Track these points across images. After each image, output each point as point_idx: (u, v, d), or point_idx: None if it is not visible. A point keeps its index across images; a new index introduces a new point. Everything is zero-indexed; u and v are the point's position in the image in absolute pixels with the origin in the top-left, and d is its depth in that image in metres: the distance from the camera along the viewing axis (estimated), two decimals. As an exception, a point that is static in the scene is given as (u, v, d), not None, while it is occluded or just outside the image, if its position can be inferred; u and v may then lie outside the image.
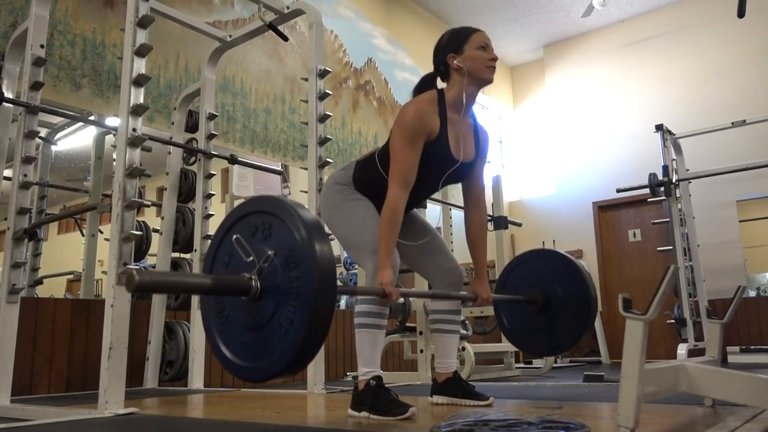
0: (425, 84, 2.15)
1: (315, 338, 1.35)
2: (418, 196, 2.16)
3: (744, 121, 5.28)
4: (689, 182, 5.52)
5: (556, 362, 5.74)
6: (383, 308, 2.01)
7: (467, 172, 2.16)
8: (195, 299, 3.45)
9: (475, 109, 2.20)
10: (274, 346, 1.38)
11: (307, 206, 3.37)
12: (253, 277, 1.41)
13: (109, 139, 4.18)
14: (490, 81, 2.08)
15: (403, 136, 1.97)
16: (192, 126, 3.85)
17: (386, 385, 1.94)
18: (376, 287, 1.85)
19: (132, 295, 2.59)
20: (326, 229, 2.13)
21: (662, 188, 5.21)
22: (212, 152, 3.62)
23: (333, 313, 1.39)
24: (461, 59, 2.04)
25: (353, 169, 2.15)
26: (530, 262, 2.51)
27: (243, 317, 1.45)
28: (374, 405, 1.87)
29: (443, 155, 2.04)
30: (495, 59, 2.07)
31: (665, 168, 5.22)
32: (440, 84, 2.14)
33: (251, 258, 1.43)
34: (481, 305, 2.25)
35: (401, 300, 4.14)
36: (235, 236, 1.47)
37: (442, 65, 2.10)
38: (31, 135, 2.71)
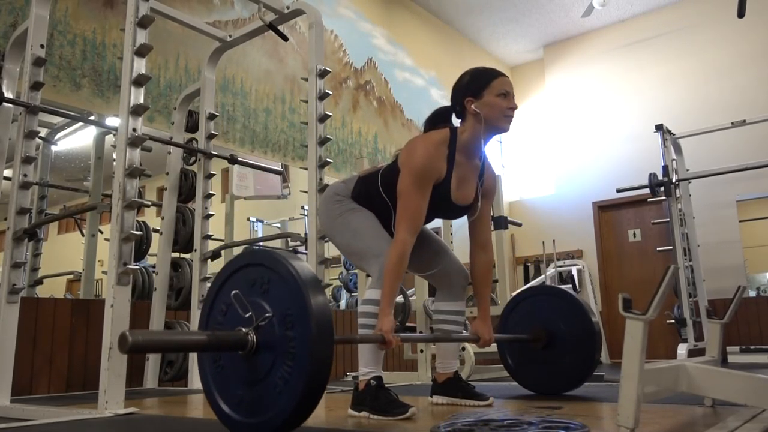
0: (439, 117, 2.12)
1: (311, 398, 1.34)
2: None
3: (744, 121, 5.28)
4: (689, 182, 5.52)
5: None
6: None
7: (461, 215, 2.16)
8: (195, 299, 3.45)
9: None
10: (269, 404, 1.37)
11: (307, 206, 3.37)
12: (249, 332, 1.40)
13: (109, 139, 4.18)
14: (505, 131, 2.04)
15: (412, 180, 1.93)
16: (192, 126, 3.85)
17: (386, 385, 1.94)
18: (376, 334, 1.83)
19: (132, 295, 2.60)
20: (327, 235, 2.15)
21: (662, 188, 5.21)
22: (212, 152, 3.61)
23: (329, 373, 1.38)
24: (479, 104, 1.99)
25: (353, 184, 2.14)
26: (533, 299, 2.50)
27: (239, 371, 1.45)
28: (374, 405, 1.87)
29: (442, 197, 2.01)
30: (514, 108, 2.02)
31: (665, 168, 5.22)
32: (455, 120, 2.12)
33: (249, 314, 1.42)
34: (482, 347, 2.23)
35: (401, 299, 4.14)
36: (234, 291, 1.45)
37: (458, 106, 2.05)
38: (31, 135, 2.71)
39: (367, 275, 2.13)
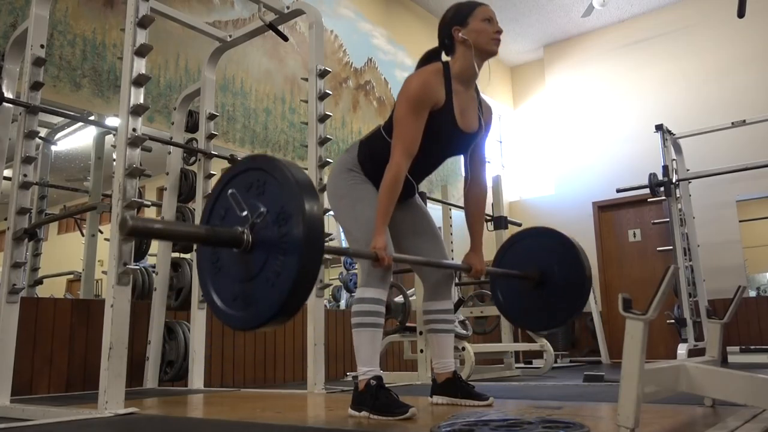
0: (430, 57, 2.18)
1: (300, 292, 1.39)
2: (424, 168, 2.17)
3: (744, 121, 5.28)
4: (689, 182, 5.52)
5: (556, 362, 5.74)
6: (380, 307, 2.01)
7: (470, 144, 2.18)
8: (195, 299, 3.45)
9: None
10: (261, 297, 1.43)
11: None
12: (245, 230, 1.46)
13: (109, 139, 4.18)
14: (494, 53, 2.11)
15: (408, 105, 1.98)
16: (192, 126, 3.85)
17: (386, 385, 1.94)
18: (369, 251, 1.87)
19: (132, 295, 2.59)
20: (329, 207, 2.16)
21: (662, 188, 5.21)
22: (212, 152, 3.62)
23: (319, 269, 1.44)
24: (466, 32, 2.06)
25: (357, 150, 2.16)
26: (527, 240, 2.53)
27: (235, 269, 1.50)
28: (374, 405, 1.87)
29: (449, 125, 2.05)
30: (500, 32, 2.09)
31: (665, 168, 5.22)
32: (444, 58, 2.18)
33: (245, 213, 1.48)
34: (474, 276, 2.25)
35: (401, 299, 4.14)
36: (230, 191, 1.52)
37: (447, 38, 2.12)
38: (31, 135, 2.71)
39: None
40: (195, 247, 1.79)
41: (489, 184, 5.21)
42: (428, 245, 2.20)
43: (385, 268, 1.93)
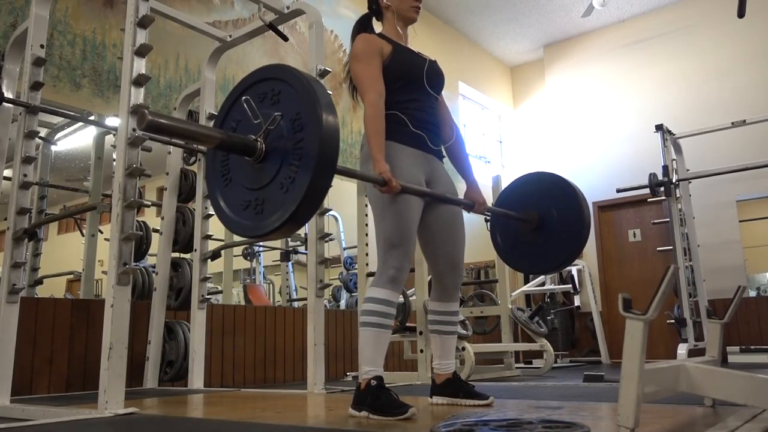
0: (362, 24, 2.31)
1: (313, 198, 1.39)
2: (425, 110, 2.18)
3: (744, 121, 5.28)
4: (689, 182, 5.51)
5: (556, 362, 5.74)
6: (388, 308, 2.00)
7: (439, 74, 2.27)
8: (195, 299, 3.45)
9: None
10: (274, 203, 1.43)
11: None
12: (259, 139, 1.46)
13: (109, 139, 4.18)
14: (414, 20, 2.29)
15: (358, 61, 2.12)
16: (192, 126, 3.85)
17: (387, 385, 1.94)
18: (377, 176, 1.90)
19: (132, 295, 2.60)
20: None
21: (662, 188, 5.21)
22: (212, 152, 3.61)
23: (333, 177, 1.43)
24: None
25: (363, 139, 2.20)
26: (526, 185, 2.54)
27: (246, 178, 1.50)
28: (375, 405, 1.87)
29: (411, 58, 2.20)
30: (420, 0, 2.27)
31: (665, 168, 5.22)
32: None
33: (258, 120, 1.47)
34: (478, 211, 2.29)
35: (401, 299, 4.14)
36: (244, 97, 1.52)
37: (374, 5, 2.30)
38: (31, 135, 2.71)
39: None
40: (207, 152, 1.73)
41: (489, 183, 5.22)
42: (452, 248, 2.20)
43: (393, 190, 1.92)
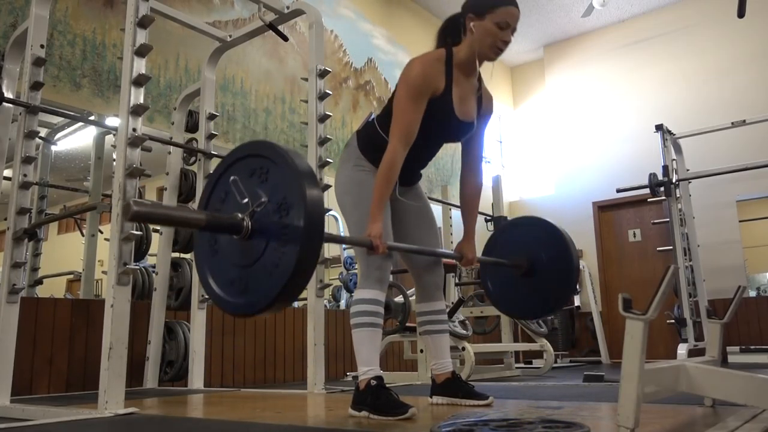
0: (449, 26, 2.12)
1: (297, 283, 1.41)
2: (421, 155, 2.15)
3: (744, 121, 5.28)
4: (689, 182, 5.51)
5: (556, 362, 5.74)
6: (377, 307, 2.02)
7: (466, 132, 2.15)
8: (195, 299, 3.45)
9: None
10: (258, 285, 1.45)
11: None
12: (245, 217, 1.47)
13: (109, 139, 4.18)
14: (490, 60, 2.06)
15: (408, 93, 1.95)
16: (192, 126, 3.85)
17: (387, 385, 1.94)
18: (364, 238, 1.87)
19: (132, 295, 2.60)
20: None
21: (662, 188, 5.20)
22: (212, 152, 3.61)
23: (317, 262, 1.46)
24: (476, 25, 1.98)
25: (356, 140, 2.17)
26: (516, 230, 2.55)
27: (233, 254, 1.52)
28: (375, 405, 1.87)
29: (447, 113, 2.03)
30: (507, 42, 2.00)
31: (665, 168, 5.22)
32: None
33: (246, 200, 1.49)
34: (465, 265, 2.28)
35: (401, 299, 4.14)
36: (232, 177, 1.53)
37: (462, 17, 2.05)
38: (31, 135, 2.71)
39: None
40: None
41: (489, 183, 5.21)
42: (427, 239, 2.20)
43: (381, 255, 1.91)
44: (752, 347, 5.61)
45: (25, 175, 2.66)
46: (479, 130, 2.21)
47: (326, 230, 3.17)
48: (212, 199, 1.61)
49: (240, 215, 1.48)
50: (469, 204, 2.28)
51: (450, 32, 2.11)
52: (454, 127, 2.09)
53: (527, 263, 2.43)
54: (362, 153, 2.12)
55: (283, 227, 1.42)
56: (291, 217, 1.41)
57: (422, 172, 2.28)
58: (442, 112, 2.02)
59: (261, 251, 1.45)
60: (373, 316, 2.00)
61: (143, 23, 2.39)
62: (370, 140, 2.12)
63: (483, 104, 2.18)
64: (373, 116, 2.25)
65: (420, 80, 1.96)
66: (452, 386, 2.17)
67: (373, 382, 1.91)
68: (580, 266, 2.48)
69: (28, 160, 2.68)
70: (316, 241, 1.41)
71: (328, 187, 3.12)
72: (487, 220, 5.45)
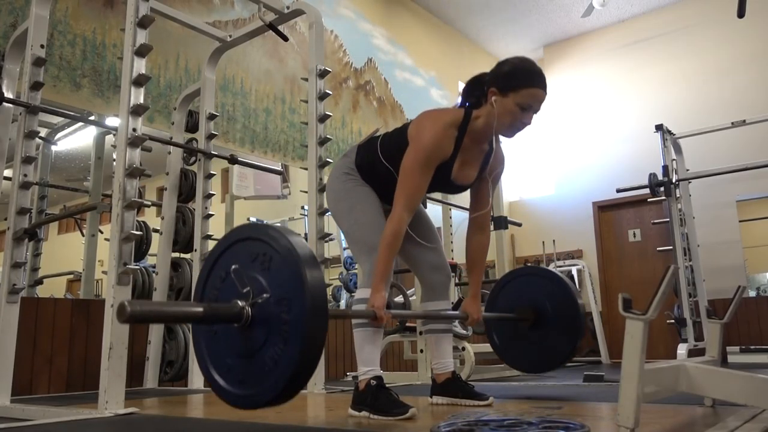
0: (475, 85, 2.04)
1: (299, 380, 1.37)
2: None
3: (744, 121, 5.28)
4: (689, 182, 5.51)
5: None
6: None
7: (459, 191, 2.17)
8: (195, 299, 3.44)
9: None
10: (259, 379, 1.40)
11: (307, 206, 3.37)
12: (245, 306, 1.42)
13: (109, 139, 4.18)
14: (506, 137, 2.04)
15: (417, 159, 1.91)
16: (192, 126, 3.85)
17: (387, 385, 1.94)
18: (368, 310, 1.86)
19: (132, 295, 2.60)
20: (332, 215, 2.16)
21: (662, 188, 5.21)
22: (212, 152, 3.62)
23: (320, 358, 1.40)
24: (499, 100, 1.92)
25: (355, 154, 2.16)
26: (519, 279, 2.53)
27: (232, 341, 1.47)
28: (375, 405, 1.87)
29: (442, 175, 2.01)
30: (527, 124, 1.97)
31: (665, 168, 5.22)
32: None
33: (247, 289, 1.44)
34: (470, 325, 2.29)
35: (401, 299, 4.14)
36: (234, 266, 1.47)
37: (486, 86, 1.99)
38: (31, 135, 2.71)
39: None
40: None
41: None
42: (431, 254, 2.21)
43: (381, 324, 1.90)
44: (752, 347, 5.61)
45: (25, 175, 2.66)
46: (482, 189, 2.17)
47: (325, 230, 3.17)
48: (210, 281, 1.56)
49: (240, 303, 1.42)
50: (474, 260, 2.24)
51: (474, 92, 2.03)
52: (447, 186, 2.10)
53: (532, 315, 2.41)
54: (357, 168, 2.13)
55: (284, 324, 1.37)
56: (292, 314, 1.36)
57: None
58: (438, 174, 1.99)
59: (261, 342, 1.40)
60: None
61: (143, 23, 2.39)
62: (369, 161, 2.11)
63: (492, 164, 2.14)
64: (380, 132, 2.23)
65: (431, 148, 1.91)
66: (452, 386, 2.17)
67: (373, 382, 1.91)
68: (583, 306, 2.48)
69: (28, 160, 2.68)
70: (318, 340, 1.36)
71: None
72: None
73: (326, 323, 1.39)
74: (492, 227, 5.19)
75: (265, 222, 6.31)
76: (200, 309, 1.41)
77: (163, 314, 1.51)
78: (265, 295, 1.41)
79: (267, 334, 1.39)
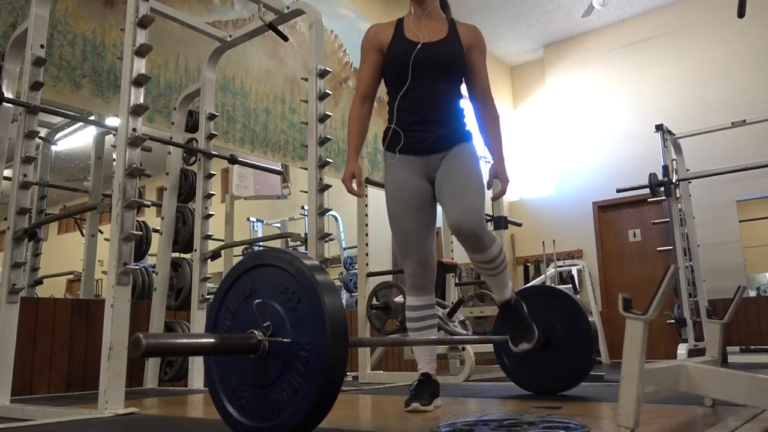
0: None
1: (320, 411, 1.32)
2: (416, 101, 2.14)
3: (744, 121, 5.28)
4: (689, 182, 5.51)
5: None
6: (417, 312, 2.15)
7: (444, 56, 2.13)
8: (195, 299, 3.45)
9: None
10: (276, 411, 1.35)
11: (307, 206, 3.37)
12: (261, 336, 1.38)
13: (109, 139, 4.18)
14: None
15: (361, 56, 2.19)
16: (192, 126, 3.85)
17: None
18: (385, 339, 2.01)
19: (132, 295, 2.60)
20: None
21: (662, 188, 5.21)
22: (212, 152, 3.61)
23: (341, 387, 1.36)
24: None
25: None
26: (527, 300, 2.50)
27: (247, 372, 1.42)
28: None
29: (401, 45, 2.13)
30: None
31: (665, 168, 5.22)
32: None
33: (267, 323, 1.40)
34: (497, 193, 2.18)
35: (401, 299, 4.14)
36: (257, 301, 1.42)
37: None
38: (31, 135, 2.71)
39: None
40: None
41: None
42: (451, 210, 2.05)
43: (355, 194, 2.14)
44: (752, 347, 5.61)
45: (25, 175, 2.66)
46: (472, 61, 2.20)
47: (325, 230, 3.17)
48: (224, 306, 1.52)
49: (256, 333, 1.38)
50: (487, 128, 2.22)
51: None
52: (418, 52, 2.10)
53: (543, 335, 2.38)
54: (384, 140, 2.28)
55: (301, 350, 1.32)
56: (310, 365, 1.31)
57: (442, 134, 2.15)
58: (397, 47, 2.13)
59: (278, 374, 1.35)
60: (412, 322, 2.14)
61: (143, 23, 2.39)
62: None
63: (465, 36, 2.20)
64: None
65: (365, 41, 2.21)
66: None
67: (418, 379, 2.07)
68: (594, 324, 2.47)
69: (28, 160, 2.68)
70: (338, 371, 1.32)
71: (327, 187, 3.13)
72: (487, 220, 5.44)
73: (347, 353, 1.36)
74: (492, 227, 5.21)
75: (265, 222, 6.32)
76: (215, 340, 1.37)
77: (177, 347, 1.47)
78: (285, 340, 1.36)
79: (284, 364, 1.35)
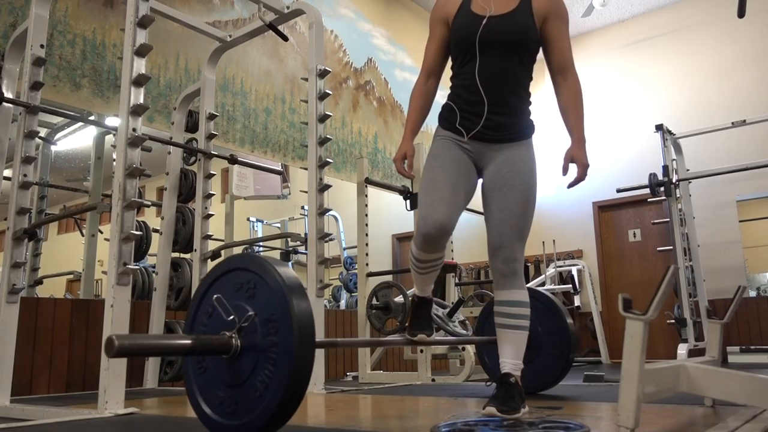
0: None
1: (289, 405, 1.37)
2: (489, 78, 1.94)
3: (744, 121, 5.28)
4: (689, 182, 5.52)
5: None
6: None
7: (514, 30, 1.93)
8: (195, 299, 3.45)
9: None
10: (248, 407, 1.40)
11: (307, 206, 3.37)
12: (233, 336, 1.43)
13: (109, 139, 4.18)
14: None
15: (429, 29, 2.09)
16: (192, 126, 3.85)
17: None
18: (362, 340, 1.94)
19: (132, 295, 2.60)
20: None
21: (662, 188, 5.21)
22: (212, 152, 3.61)
23: (309, 379, 1.40)
24: None
25: None
26: None
27: (221, 373, 1.47)
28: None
29: (465, 19, 1.96)
30: None
31: (665, 168, 5.22)
32: None
33: (231, 317, 1.45)
34: (581, 178, 1.99)
35: (401, 299, 4.13)
36: (216, 296, 1.49)
37: None
38: (31, 135, 2.71)
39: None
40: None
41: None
42: (489, 231, 1.98)
43: (404, 175, 2.06)
44: (752, 347, 5.61)
45: (25, 175, 2.66)
46: (551, 32, 1.98)
47: (325, 230, 3.17)
48: (198, 315, 1.57)
49: (228, 334, 1.43)
50: (569, 108, 2.01)
51: None
52: (485, 26, 1.91)
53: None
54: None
55: (272, 346, 1.38)
56: (279, 336, 1.37)
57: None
58: (462, 21, 1.97)
59: (250, 370, 1.40)
60: (415, 267, 2.09)
61: (143, 23, 2.39)
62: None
63: (534, 3, 1.96)
64: None
65: (432, 14, 2.11)
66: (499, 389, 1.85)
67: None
68: (572, 325, 2.52)
69: (28, 160, 2.68)
70: (306, 362, 1.37)
71: (327, 186, 3.13)
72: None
73: (314, 346, 1.39)
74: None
75: (265, 222, 6.31)
76: (189, 341, 1.42)
77: (151, 348, 1.53)
78: (249, 314, 1.42)
79: (256, 360, 1.40)
